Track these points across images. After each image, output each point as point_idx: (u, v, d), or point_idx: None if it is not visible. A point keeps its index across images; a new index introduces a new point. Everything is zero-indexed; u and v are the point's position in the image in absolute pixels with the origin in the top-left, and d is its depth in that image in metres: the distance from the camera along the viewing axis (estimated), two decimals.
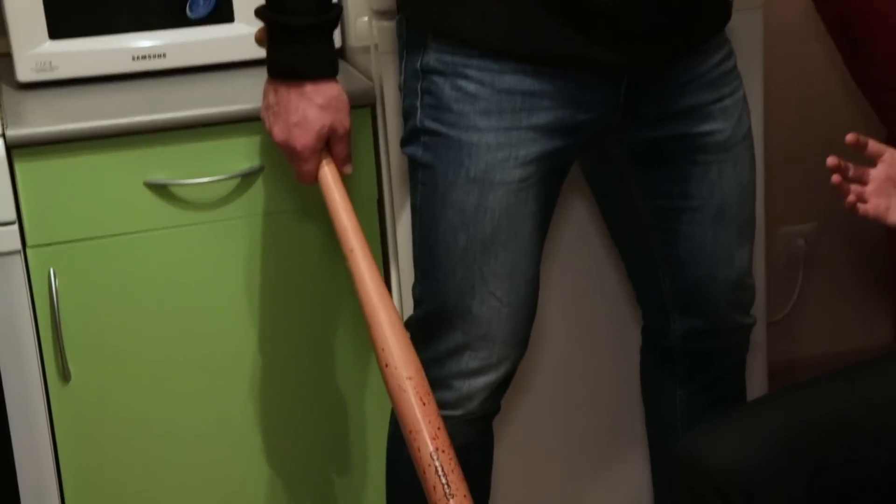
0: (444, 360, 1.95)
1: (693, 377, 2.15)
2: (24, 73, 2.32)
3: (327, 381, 2.38)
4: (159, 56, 2.37)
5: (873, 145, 1.79)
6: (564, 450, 2.48)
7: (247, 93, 2.17)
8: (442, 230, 1.89)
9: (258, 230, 2.27)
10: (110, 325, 2.24)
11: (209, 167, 2.22)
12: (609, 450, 2.50)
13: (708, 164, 1.96)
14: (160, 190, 2.20)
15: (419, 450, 1.71)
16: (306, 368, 2.36)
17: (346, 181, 1.97)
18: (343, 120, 1.93)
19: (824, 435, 1.72)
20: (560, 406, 2.45)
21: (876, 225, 1.80)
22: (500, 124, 1.84)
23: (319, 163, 1.94)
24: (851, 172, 1.76)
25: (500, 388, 1.99)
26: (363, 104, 2.24)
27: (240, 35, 2.35)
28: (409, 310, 2.05)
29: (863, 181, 1.77)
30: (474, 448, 2.04)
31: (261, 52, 1.95)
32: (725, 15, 1.98)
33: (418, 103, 1.89)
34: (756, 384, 2.43)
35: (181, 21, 2.37)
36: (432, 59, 1.87)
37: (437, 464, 1.69)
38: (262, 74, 1.94)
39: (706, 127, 1.94)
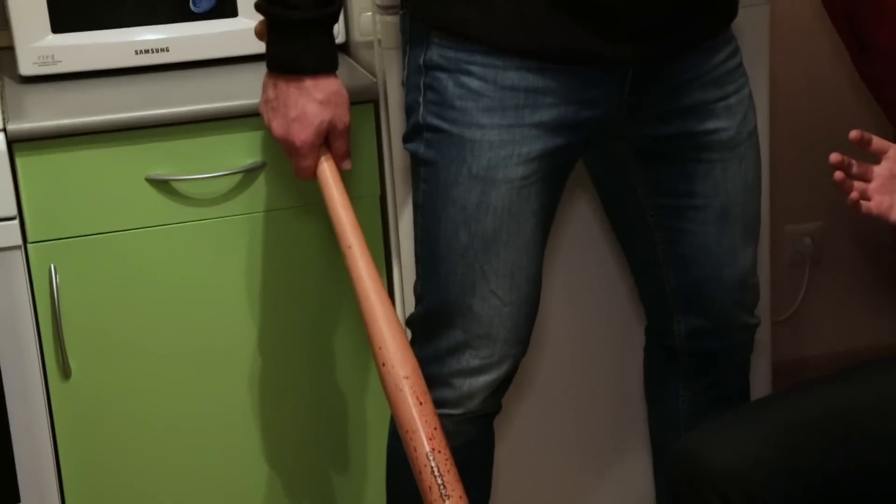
0: (445, 358, 1.94)
1: (696, 376, 2.14)
2: (26, 66, 2.32)
3: (328, 378, 2.37)
4: (162, 50, 2.37)
5: (877, 142, 1.78)
6: (566, 449, 2.48)
7: (250, 88, 2.16)
8: (443, 227, 1.88)
9: (260, 226, 2.26)
10: (111, 322, 2.23)
11: (211, 163, 2.21)
12: (611, 449, 2.50)
13: (712, 162, 1.95)
14: (162, 185, 2.20)
15: (415, 450, 1.70)
16: (307, 364, 2.36)
17: (347, 177, 1.97)
18: (343, 115, 1.92)
19: (824, 435, 1.71)
20: (562, 405, 2.44)
21: (883, 223, 1.79)
22: (502, 121, 1.83)
23: (318, 158, 1.93)
24: (855, 169, 1.76)
25: (502, 386, 1.98)
26: (366, 100, 2.23)
27: (243, 30, 2.34)
28: (410, 307, 2.04)
29: (866, 178, 1.76)
30: (475, 447, 2.03)
31: (264, 48, 1.93)
32: (732, 11, 1.97)
33: (421, 99, 1.88)
34: (760, 384, 2.42)
35: (184, 15, 2.37)
36: (435, 54, 1.86)
37: (433, 464, 1.69)
38: (264, 69, 1.93)
39: (711, 125, 1.93)
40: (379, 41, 2.18)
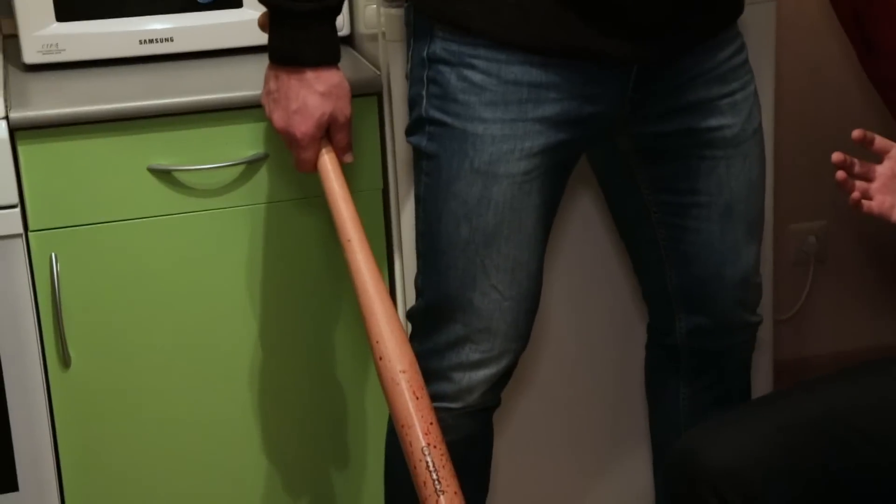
0: (445, 352, 1.93)
1: (698, 375, 2.14)
2: (30, 55, 2.31)
3: (328, 369, 2.37)
4: (167, 40, 2.36)
5: (880, 141, 1.77)
6: (566, 445, 2.47)
7: (253, 79, 2.15)
8: (445, 221, 1.88)
9: (261, 218, 2.26)
10: (111, 311, 2.23)
11: (213, 154, 2.21)
12: (611, 446, 2.49)
13: (716, 159, 1.94)
14: (164, 176, 2.19)
15: (411, 444, 1.70)
16: (307, 356, 2.35)
17: (350, 170, 1.96)
18: (344, 108, 1.91)
19: (824, 436, 1.71)
20: (562, 401, 2.44)
21: (887, 223, 1.78)
22: (505, 115, 1.82)
23: (319, 151, 1.93)
24: (857, 169, 1.75)
25: (501, 381, 1.97)
26: (369, 92, 2.23)
27: (248, 20, 2.34)
28: (411, 300, 2.03)
29: (868, 178, 1.75)
30: (474, 441, 2.02)
31: (267, 39, 1.93)
32: (738, 8, 1.96)
33: (424, 92, 1.88)
34: (762, 382, 2.42)
35: (190, 5, 2.37)
36: (439, 47, 1.85)
37: (428, 459, 1.68)
38: (268, 61, 1.92)
39: (715, 122, 1.92)
40: (383, 34, 2.17)
